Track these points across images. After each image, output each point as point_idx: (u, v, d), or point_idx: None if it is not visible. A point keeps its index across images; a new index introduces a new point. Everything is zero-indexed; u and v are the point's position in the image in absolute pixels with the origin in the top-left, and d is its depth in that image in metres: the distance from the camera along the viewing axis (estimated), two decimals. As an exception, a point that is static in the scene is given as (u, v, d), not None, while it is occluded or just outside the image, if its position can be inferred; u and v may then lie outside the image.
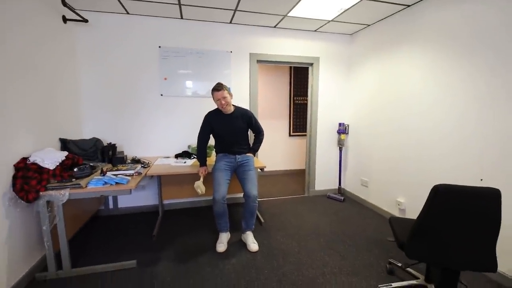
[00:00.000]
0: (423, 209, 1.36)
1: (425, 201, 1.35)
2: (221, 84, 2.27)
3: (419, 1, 2.50)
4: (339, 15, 2.86)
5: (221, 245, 2.31)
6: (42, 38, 2.17)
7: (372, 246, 2.39)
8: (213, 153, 2.77)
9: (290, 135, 5.09)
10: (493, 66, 1.90)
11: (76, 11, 2.48)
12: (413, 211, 2.67)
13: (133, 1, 2.54)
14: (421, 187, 2.53)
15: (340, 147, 3.76)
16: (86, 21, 2.62)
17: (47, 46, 2.23)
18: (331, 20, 3.04)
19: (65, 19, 2.51)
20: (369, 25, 3.22)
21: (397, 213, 2.87)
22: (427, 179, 2.48)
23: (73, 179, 1.89)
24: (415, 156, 2.61)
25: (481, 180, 1.99)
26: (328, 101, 3.68)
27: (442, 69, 2.30)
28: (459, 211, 1.29)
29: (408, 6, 2.61)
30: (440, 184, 1.29)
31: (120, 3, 2.58)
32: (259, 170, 2.64)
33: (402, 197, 2.80)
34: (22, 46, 1.91)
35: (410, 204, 2.71)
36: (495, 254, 1.32)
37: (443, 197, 1.29)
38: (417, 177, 2.61)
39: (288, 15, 2.88)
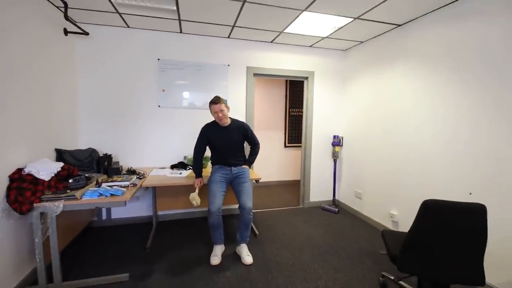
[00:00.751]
0: (413, 223, 1.40)
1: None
2: (219, 98, 2.32)
3: (409, 21, 2.63)
4: (333, 32, 2.98)
5: (215, 258, 2.30)
6: (42, 50, 2.20)
7: (366, 258, 2.41)
8: (209, 164, 2.79)
9: (285, 146, 5.15)
10: (484, 81, 1.97)
11: (78, 24, 2.53)
12: (405, 224, 2.70)
13: (134, 16, 2.61)
14: (414, 200, 2.58)
15: (334, 159, 3.81)
16: (86, 34, 2.67)
17: (46, 57, 2.26)
18: (326, 37, 3.16)
19: (66, 32, 2.56)
20: (362, 42, 3.34)
21: (390, 225, 2.90)
22: (419, 193, 2.53)
23: (68, 190, 1.89)
24: (409, 170, 2.68)
25: (470, 194, 2.05)
26: (323, 113, 3.76)
27: (434, 84, 2.39)
28: (447, 226, 1.33)
29: (399, 25, 2.74)
30: (430, 200, 1.34)
31: (121, 17, 2.65)
32: (254, 181, 2.67)
33: (395, 210, 2.84)
34: (21, 57, 1.94)
35: (403, 216, 2.75)
36: (483, 267, 1.36)
37: (432, 212, 1.33)
38: (410, 191, 2.66)
39: (285, 31, 2.98)
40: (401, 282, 1.94)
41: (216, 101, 2.30)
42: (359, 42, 3.36)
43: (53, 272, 1.87)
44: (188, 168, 2.96)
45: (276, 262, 2.33)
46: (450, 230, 1.34)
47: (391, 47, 2.88)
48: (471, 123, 2.07)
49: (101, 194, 1.92)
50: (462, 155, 2.14)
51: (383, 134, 3.01)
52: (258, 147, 2.63)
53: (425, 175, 2.48)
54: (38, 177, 1.84)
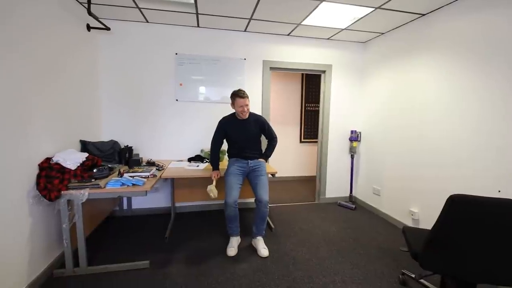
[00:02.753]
0: (438, 219, 1.34)
1: (439, 211, 1.34)
2: (245, 92, 2.35)
3: (434, 10, 2.50)
4: (352, 23, 2.89)
5: (232, 249, 2.33)
6: (67, 45, 2.29)
7: (384, 255, 2.35)
8: (225, 157, 2.82)
9: (301, 141, 5.10)
10: (508, 75, 1.87)
11: (100, 19, 2.61)
12: (427, 222, 2.61)
13: (153, 10, 2.66)
14: (436, 196, 2.48)
15: (352, 155, 3.73)
16: (108, 29, 2.75)
17: (71, 52, 2.36)
18: (345, 29, 3.07)
19: (89, 27, 2.65)
20: (383, 33, 3.23)
21: (410, 223, 2.81)
22: (441, 188, 2.43)
23: (92, 180, 1.97)
24: (429, 164, 2.57)
25: (499, 191, 1.94)
26: (340, 108, 3.68)
27: (456, 77, 2.28)
28: (476, 222, 1.27)
29: (423, 15, 2.61)
30: (456, 194, 1.27)
31: (141, 12, 2.70)
32: (270, 175, 2.66)
33: (416, 207, 2.75)
34: (48, 53, 2.03)
35: (424, 214, 2.65)
36: (514, 267, 1.29)
37: (459, 208, 1.27)
38: (431, 186, 2.56)
39: (302, 23, 2.93)
40: (422, 281, 1.88)
41: (243, 95, 2.32)
42: (379, 34, 3.25)
43: (79, 257, 1.98)
44: (205, 161, 3.00)
45: (292, 256, 2.32)
46: (479, 227, 1.28)
47: (413, 38, 2.76)
48: (495, 115, 1.96)
49: (123, 184, 1.99)
50: (485, 149, 2.05)
51: (403, 128, 2.91)
52: (276, 141, 2.62)
53: (447, 170, 2.38)
54: (65, 166, 1.93)
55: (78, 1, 2.43)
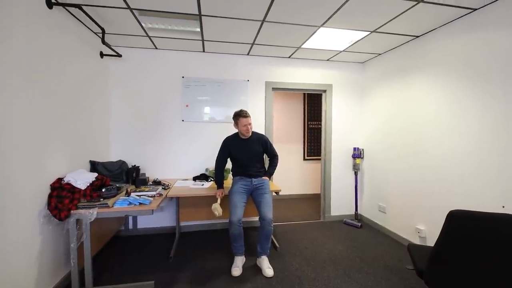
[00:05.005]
0: (440, 235, 1.35)
1: (443, 227, 1.35)
2: (247, 111, 2.47)
3: (427, 32, 2.63)
4: (350, 46, 3.03)
5: (237, 269, 2.31)
6: (82, 72, 2.45)
7: (391, 274, 2.31)
8: (230, 176, 2.86)
9: (304, 159, 5.13)
10: (506, 90, 1.93)
11: (112, 47, 2.80)
12: (434, 239, 2.54)
13: (162, 38, 2.84)
14: (442, 213, 2.43)
15: (355, 172, 3.74)
16: (120, 56, 2.94)
17: (85, 79, 2.51)
18: (343, 51, 3.21)
19: (102, 55, 2.84)
20: (380, 54, 3.36)
21: (417, 241, 2.76)
22: (446, 205, 2.42)
23: (101, 199, 2.03)
24: (432, 181, 2.58)
25: (503, 207, 1.94)
26: (342, 126, 3.75)
27: (455, 95, 2.35)
28: (477, 238, 1.28)
29: (417, 36, 2.74)
30: (455, 210, 1.30)
31: (151, 40, 2.89)
32: (274, 193, 2.69)
33: (422, 224, 2.71)
34: (65, 80, 2.18)
35: (431, 231, 2.62)
36: (521, 285, 1.27)
37: (459, 223, 1.28)
38: (436, 202, 2.55)
39: (302, 47, 3.09)
40: (431, 300, 1.83)
41: (246, 115, 2.44)
42: (376, 54, 3.38)
43: (85, 276, 1.99)
44: (209, 180, 3.05)
45: (297, 276, 2.29)
46: (480, 242, 1.28)
47: (409, 58, 2.88)
48: (495, 131, 2.00)
49: (130, 203, 2.04)
50: (488, 165, 2.06)
51: (405, 146, 2.94)
52: (277, 159, 2.68)
53: (451, 186, 2.38)
54: (76, 186, 2.00)
55: (92, 31, 2.63)
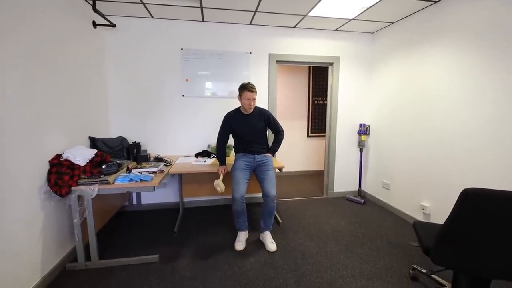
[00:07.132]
0: (451, 213, 1.30)
1: (452, 205, 1.29)
2: (254, 86, 2.33)
3: (447, -3, 2.40)
4: (360, 13, 2.80)
5: (240, 244, 2.33)
6: (75, 43, 2.31)
7: (394, 250, 2.31)
8: (232, 152, 2.81)
9: (308, 135, 5.04)
10: None
11: (105, 16, 2.61)
12: (438, 216, 2.55)
13: (158, 5, 2.64)
14: (448, 190, 2.42)
15: (360, 148, 3.67)
16: (114, 25, 2.76)
17: (78, 50, 2.37)
18: (352, 19, 2.98)
19: (95, 24, 2.66)
20: (392, 23, 3.12)
21: (421, 218, 2.75)
22: (453, 181, 2.36)
23: (101, 176, 2.00)
24: (440, 157, 2.50)
25: (516, 184, 1.87)
26: (348, 101, 3.61)
27: (469, 66, 2.20)
28: (491, 216, 1.22)
29: (435, 2, 2.50)
30: (470, 188, 1.22)
31: (146, 8, 2.69)
32: (277, 170, 2.64)
33: (427, 201, 2.68)
34: (56, 51, 2.05)
35: (436, 208, 2.59)
36: (532, 263, 1.24)
37: (474, 202, 1.22)
38: (442, 179, 2.49)
39: (308, 14, 2.86)
40: (434, 276, 1.84)
41: (252, 89, 2.30)
42: (389, 23, 3.14)
43: (91, 251, 2.02)
44: (212, 157, 3.01)
45: (300, 250, 2.31)
46: (494, 221, 1.23)
47: (424, 27, 2.66)
48: (509, 105, 1.87)
49: (131, 179, 2.01)
50: (500, 141, 1.97)
51: (413, 121, 2.83)
52: (282, 135, 2.59)
53: (459, 162, 2.31)
54: (75, 162, 1.96)
55: (83, -2, 2.44)
